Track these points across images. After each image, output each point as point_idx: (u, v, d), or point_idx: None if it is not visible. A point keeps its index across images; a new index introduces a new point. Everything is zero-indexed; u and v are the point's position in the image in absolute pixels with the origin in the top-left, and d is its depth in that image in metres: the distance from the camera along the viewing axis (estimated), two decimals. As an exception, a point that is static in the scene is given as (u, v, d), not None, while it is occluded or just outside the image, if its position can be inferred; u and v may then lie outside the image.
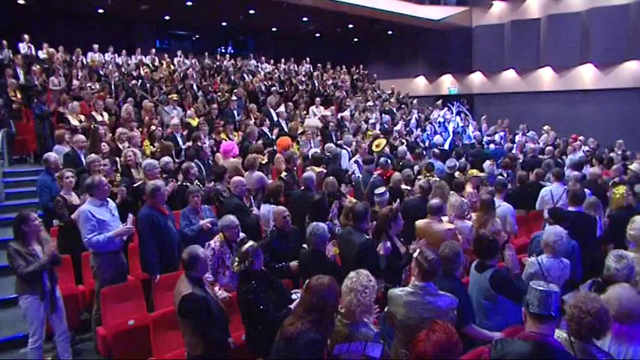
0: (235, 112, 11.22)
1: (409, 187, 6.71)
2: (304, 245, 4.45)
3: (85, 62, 12.56)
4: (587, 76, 18.19)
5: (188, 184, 6.10)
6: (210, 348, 3.41)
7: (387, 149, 9.45)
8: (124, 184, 5.87)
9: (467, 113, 14.87)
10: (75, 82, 10.97)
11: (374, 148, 9.44)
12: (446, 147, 10.89)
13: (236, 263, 3.77)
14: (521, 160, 9.76)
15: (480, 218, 5.42)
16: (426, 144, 11.69)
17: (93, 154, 6.44)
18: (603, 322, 2.49)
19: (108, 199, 4.84)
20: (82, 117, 9.04)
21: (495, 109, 18.13)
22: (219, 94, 12.37)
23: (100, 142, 7.38)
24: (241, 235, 4.66)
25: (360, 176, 7.45)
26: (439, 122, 13.19)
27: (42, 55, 12.16)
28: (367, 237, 4.43)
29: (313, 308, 2.66)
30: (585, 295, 2.65)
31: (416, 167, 8.38)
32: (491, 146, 11.81)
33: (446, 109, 14.79)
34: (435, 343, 2.31)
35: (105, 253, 4.60)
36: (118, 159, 6.87)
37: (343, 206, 5.93)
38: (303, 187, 6.23)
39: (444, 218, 5.09)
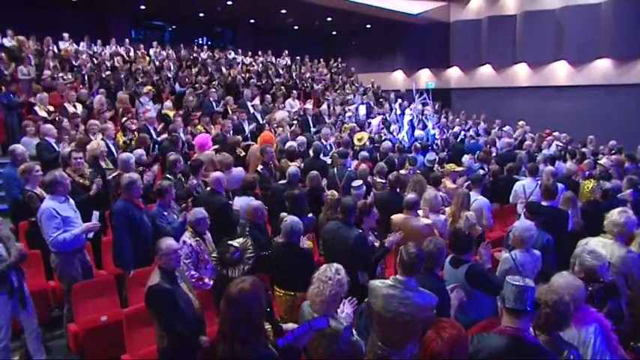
0: (214, 104, 11.07)
1: (383, 180, 6.70)
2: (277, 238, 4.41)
3: (55, 51, 12.17)
4: (561, 72, 18.56)
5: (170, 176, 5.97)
6: (174, 342, 3.33)
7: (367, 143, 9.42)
8: (96, 176, 5.68)
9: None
10: (46, 72, 10.63)
11: (355, 141, 9.40)
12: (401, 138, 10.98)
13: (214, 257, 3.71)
14: (495, 155, 9.85)
15: (453, 212, 5.44)
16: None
17: (68, 148, 6.25)
18: (561, 313, 2.51)
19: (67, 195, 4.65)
20: (51, 108, 8.76)
21: (472, 104, 18.33)
22: (197, 85, 12.17)
23: (64, 134, 7.20)
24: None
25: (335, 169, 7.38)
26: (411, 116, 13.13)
27: (7, 43, 11.70)
28: (359, 231, 4.40)
29: (238, 322, 2.38)
30: (546, 287, 2.67)
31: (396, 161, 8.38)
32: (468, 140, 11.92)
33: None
34: (448, 340, 2.25)
35: (69, 252, 4.46)
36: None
37: (324, 201, 5.89)
38: (287, 182, 6.18)
39: (420, 212, 5.09)
